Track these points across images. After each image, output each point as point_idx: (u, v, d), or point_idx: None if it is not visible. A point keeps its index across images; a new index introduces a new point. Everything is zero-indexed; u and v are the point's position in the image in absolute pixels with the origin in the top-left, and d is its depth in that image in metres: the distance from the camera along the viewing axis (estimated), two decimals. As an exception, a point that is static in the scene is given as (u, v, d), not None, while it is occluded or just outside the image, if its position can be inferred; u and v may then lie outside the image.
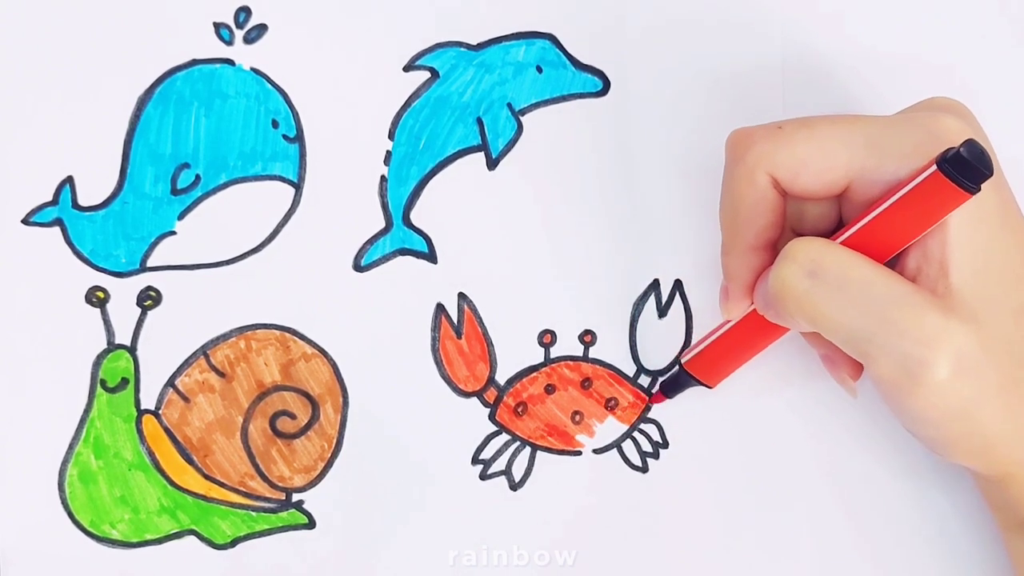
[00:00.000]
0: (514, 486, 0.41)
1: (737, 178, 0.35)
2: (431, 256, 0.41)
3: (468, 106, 0.42)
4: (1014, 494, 0.35)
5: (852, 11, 0.42)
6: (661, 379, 0.41)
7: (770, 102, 0.42)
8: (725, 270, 0.37)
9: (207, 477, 0.41)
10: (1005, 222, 0.34)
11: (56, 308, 0.41)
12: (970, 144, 0.31)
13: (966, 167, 0.31)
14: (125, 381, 0.41)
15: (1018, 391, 0.33)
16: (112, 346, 0.41)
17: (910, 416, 0.34)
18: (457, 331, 0.41)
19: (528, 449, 0.41)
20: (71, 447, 0.40)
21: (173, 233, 0.41)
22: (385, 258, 0.41)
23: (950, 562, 0.41)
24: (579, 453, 0.41)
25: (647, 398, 0.41)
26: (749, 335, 0.38)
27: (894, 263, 0.34)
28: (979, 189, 0.31)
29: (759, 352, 0.38)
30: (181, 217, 0.41)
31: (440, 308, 0.41)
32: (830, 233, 0.36)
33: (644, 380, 0.41)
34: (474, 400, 0.41)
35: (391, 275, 0.41)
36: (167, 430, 0.41)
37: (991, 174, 0.31)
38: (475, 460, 0.41)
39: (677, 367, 0.41)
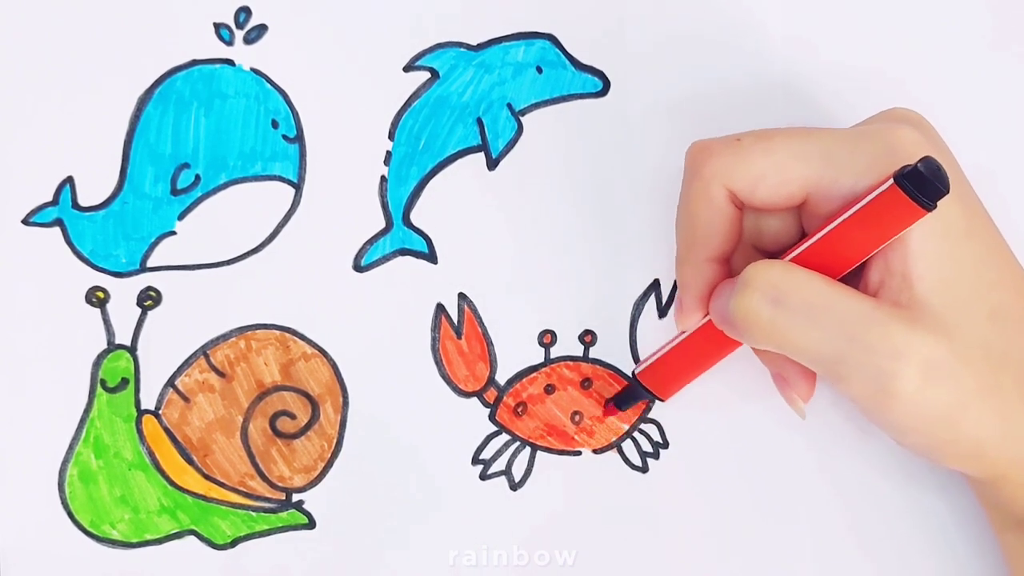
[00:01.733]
0: (514, 486, 0.41)
1: (694, 191, 0.35)
2: (431, 256, 0.41)
3: (468, 106, 0.42)
4: (1008, 494, 0.35)
5: (839, 21, 0.42)
6: (615, 394, 0.41)
7: (770, 102, 0.42)
8: (680, 281, 0.37)
9: (207, 477, 0.41)
10: (971, 228, 0.34)
11: (56, 308, 0.41)
12: (927, 161, 0.31)
13: (923, 183, 0.31)
14: (125, 381, 0.41)
15: (1002, 393, 0.33)
16: (112, 346, 0.41)
17: (891, 428, 0.34)
18: (457, 331, 0.41)
19: (528, 449, 0.41)
20: (71, 447, 0.40)
21: (173, 233, 0.41)
22: (385, 258, 0.41)
23: (946, 561, 0.41)
24: (579, 453, 0.41)
25: (647, 399, 0.41)
26: (703, 347, 0.37)
27: (856, 275, 0.34)
28: (935, 206, 0.31)
29: (713, 364, 0.38)
30: (181, 217, 0.41)
31: (440, 308, 0.41)
32: (789, 244, 0.36)
33: (644, 380, 0.42)
34: (474, 400, 0.41)
35: (391, 275, 0.41)
36: (167, 430, 0.41)
37: (947, 191, 0.31)
38: (475, 460, 0.41)
39: (631, 378, 0.40)
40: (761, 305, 0.33)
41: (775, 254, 0.37)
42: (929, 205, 0.31)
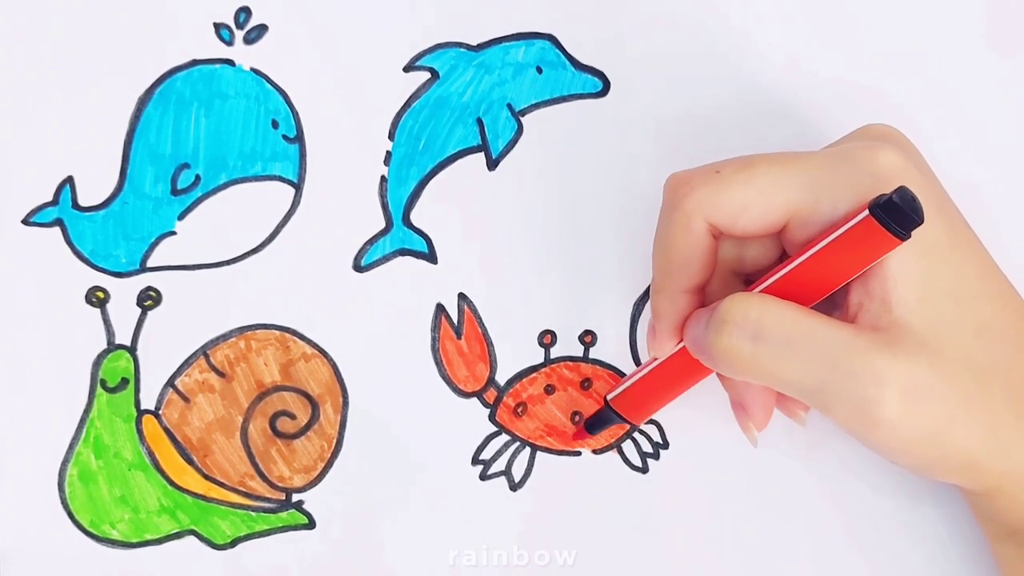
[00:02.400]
0: (514, 486, 0.41)
1: (673, 224, 0.35)
2: (431, 256, 0.41)
3: (468, 106, 0.42)
4: (1001, 506, 0.35)
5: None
6: (587, 418, 0.41)
7: (771, 102, 0.42)
8: (654, 310, 0.37)
9: (207, 477, 0.41)
10: (955, 245, 0.34)
11: (56, 308, 0.41)
12: (902, 191, 0.31)
13: (898, 213, 0.31)
14: (125, 381, 0.41)
15: (990, 407, 0.33)
16: (112, 346, 0.41)
17: (880, 450, 0.34)
18: (457, 331, 0.41)
19: (528, 449, 0.41)
20: (71, 447, 0.40)
21: (173, 233, 0.41)
22: (385, 258, 0.41)
23: (940, 565, 0.41)
24: (579, 453, 0.41)
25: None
26: (676, 374, 0.37)
27: (836, 299, 0.34)
28: (909, 236, 0.31)
29: (685, 390, 0.38)
30: (181, 217, 0.41)
31: (440, 308, 0.41)
32: (768, 266, 0.36)
33: (644, 380, 0.42)
34: (474, 400, 0.41)
35: (391, 275, 0.41)
36: (167, 430, 0.41)
37: (922, 221, 0.31)
38: (475, 460, 0.41)
39: (603, 404, 0.40)
40: (741, 342, 0.33)
41: (753, 276, 0.37)
42: (903, 235, 0.31)
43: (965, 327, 0.33)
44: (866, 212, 0.32)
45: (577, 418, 0.41)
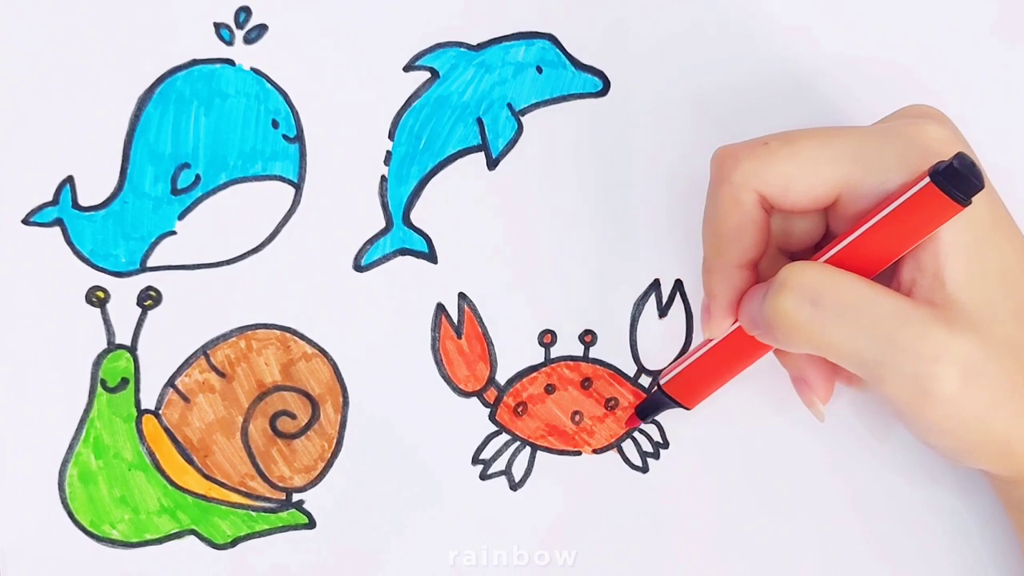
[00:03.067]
0: (514, 486, 0.41)
1: (723, 197, 0.35)
2: (431, 256, 0.41)
3: (468, 106, 0.42)
4: None
5: (844, 16, 0.42)
6: (639, 404, 0.41)
7: (771, 102, 0.42)
8: (707, 289, 0.36)
9: (207, 477, 0.41)
10: (996, 226, 0.34)
11: (56, 308, 0.41)
12: (961, 157, 0.31)
13: (959, 179, 0.31)
14: (125, 381, 0.41)
15: None
16: (112, 346, 0.41)
17: (926, 430, 0.34)
18: (457, 331, 0.41)
19: (528, 449, 0.41)
20: (71, 447, 0.40)
21: (173, 233, 0.41)
22: (385, 258, 0.41)
23: (964, 562, 0.41)
24: (579, 453, 0.41)
25: (673, 409, 0.41)
26: (732, 354, 0.37)
27: (888, 275, 0.34)
28: (970, 202, 0.31)
29: (741, 371, 0.38)
30: (181, 217, 0.41)
31: (440, 308, 0.41)
32: (815, 244, 0.36)
33: (644, 380, 0.41)
34: (474, 400, 0.41)
35: (391, 275, 0.41)
36: (167, 430, 0.41)
37: (982, 186, 0.31)
38: (475, 460, 0.41)
39: (655, 389, 0.40)
40: (799, 306, 0.33)
41: (801, 256, 0.36)
42: (965, 201, 0.31)
43: (1006, 308, 0.33)
44: (927, 179, 0.31)
45: (578, 417, 0.41)
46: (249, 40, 0.41)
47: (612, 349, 0.41)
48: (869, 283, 0.33)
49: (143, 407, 0.41)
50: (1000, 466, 0.35)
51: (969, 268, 0.33)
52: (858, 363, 0.33)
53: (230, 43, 0.41)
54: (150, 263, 0.41)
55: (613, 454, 0.41)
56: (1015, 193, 0.36)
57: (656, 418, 0.41)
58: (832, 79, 0.42)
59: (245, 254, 0.41)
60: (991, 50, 0.42)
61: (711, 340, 0.37)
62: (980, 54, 0.42)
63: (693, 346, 0.41)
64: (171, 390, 0.41)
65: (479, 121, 0.42)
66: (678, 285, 0.41)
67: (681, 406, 0.39)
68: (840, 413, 0.41)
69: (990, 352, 0.32)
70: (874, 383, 0.33)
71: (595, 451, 0.41)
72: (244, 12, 0.41)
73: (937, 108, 0.36)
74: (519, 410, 0.41)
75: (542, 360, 0.41)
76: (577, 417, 0.41)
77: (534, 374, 0.41)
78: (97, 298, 0.41)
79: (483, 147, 0.42)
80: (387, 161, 0.41)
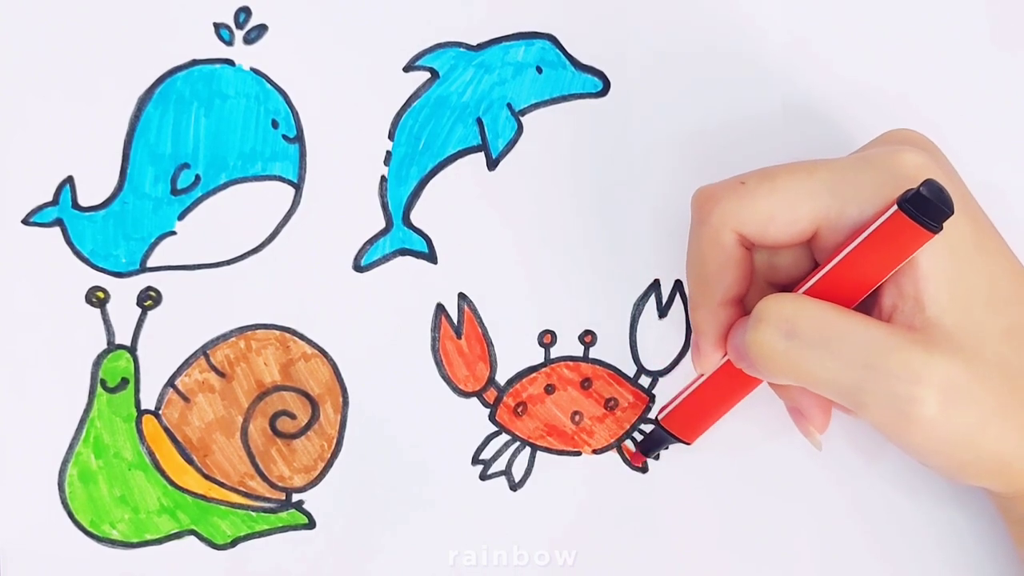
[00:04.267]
0: (514, 486, 0.41)
1: (703, 238, 0.35)
2: (431, 256, 0.41)
3: (468, 106, 0.42)
4: None
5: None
6: (639, 440, 0.41)
7: (770, 102, 0.42)
8: (695, 326, 0.37)
9: (207, 477, 0.41)
10: (981, 246, 0.34)
11: (56, 308, 0.41)
12: (929, 183, 0.31)
13: (927, 206, 0.31)
14: (125, 381, 0.41)
15: (1022, 409, 0.33)
16: (112, 346, 0.41)
17: (913, 451, 0.34)
18: (457, 331, 0.41)
19: (528, 449, 0.41)
20: (71, 447, 0.40)
21: (173, 233, 0.41)
22: (385, 258, 0.41)
23: (961, 569, 0.41)
24: (579, 453, 0.41)
25: (647, 399, 0.41)
26: (725, 388, 0.37)
27: (870, 302, 0.34)
28: (941, 228, 0.31)
29: (736, 403, 0.38)
30: (181, 217, 0.41)
31: (440, 308, 0.41)
32: (802, 275, 0.36)
33: (644, 380, 0.41)
34: (474, 400, 0.41)
35: (391, 275, 0.41)
36: (167, 430, 0.41)
37: (952, 212, 0.31)
38: (475, 460, 0.41)
39: (654, 425, 0.40)
40: (775, 339, 0.33)
41: (789, 287, 0.37)
42: (935, 227, 0.31)
43: (994, 328, 0.33)
44: (895, 207, 0.32)
45: (577, 417, 0.41)
46: (249, 40, 0.41)
47: (612, 349, 0.41)
48: (843, 311, 0.33)
49: (143, 407, 0.41)
50: (997, 483, 0.35)
51: (951, 290, 0.33)
52: (837, 391, 0.33)
53: (230, 43, 0.41)
54: (150, 263, 0.41)
55: (613, 454, 0.41)
56: (1012, 211, 0.36)
57: (656, 417, 0.41)
58: (830, 83, 0.42)
59: (245, 254, 0.41)
60: (985, 67, 0.42)
61: (703, 375, 0.38)
62: (973, 72, 0.42)
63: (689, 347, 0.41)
64: (171, 390, 0.41)
65: (479, 121, 0.42)
66: (678, 285, 0.41)
67: (681, 441, 0.39)
68: (839, 416, 0.41)
69: (975, 372, 0.32)
70: (856, 410, 0.33)
71: (595, 451, 0.41)
72: (244, 12, 0.41)
73: (918, 132, 0.36)
74: (519, 410, 0.41)
75: (542, 360, 0.41)
76: (577, 417, 0.41)
77: (534, 374, 0.41)
78: (97, 298, 0.41)
79: (483, 147, 0.42)
80: (387, 161, 0.41)
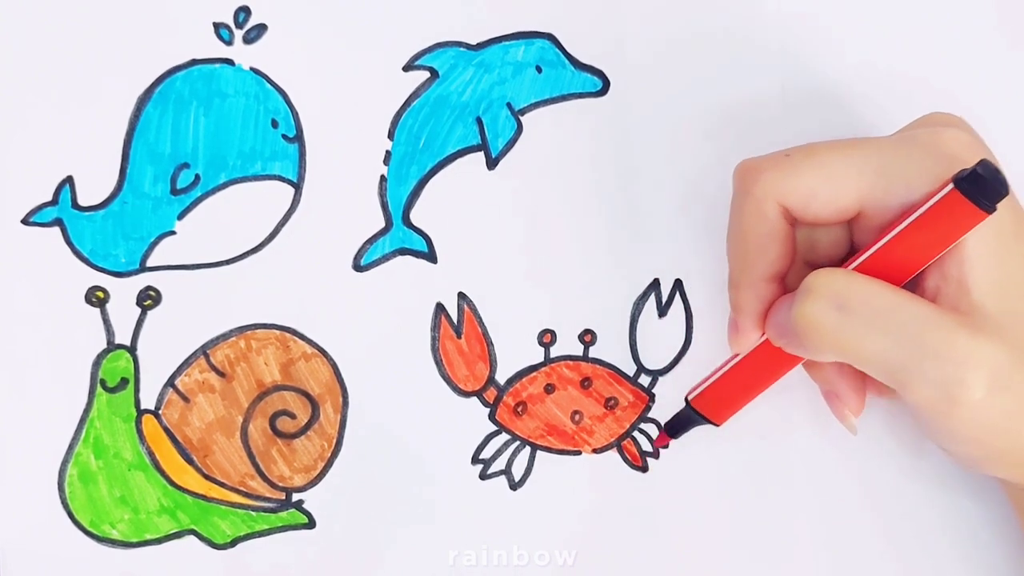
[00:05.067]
0: (514, 486, 0.41)
1: (747, 210, 0.35)
2: (431, 256, 0.41)
3: (468, 106, 0.42)
4: None
5: (853, 23, 0.42)
6: (666, 421, 0.41)
7: (771, 102, 0.42)
8: (734, 304, 0.36)
9: (207, 477, 0.41)
10: (1019, 234, 0.34)
11: (56, 308, 0.41)
12: (985, 163, 0.31)
13: (983, 185, 0.31)
14: (125, 381, 0.41)
15: None
16: (112, 346, 0.41)
17: (951, 437, 0.34)
18: (457, 331, 0.41)
19: (528, 449, 0.41)
20: (71, 447, 0.40)
21: (173, 233, 0.41)
22: (385, 258, 0.41)
23: (972, 564, 0.41)
24: (579, 452, 0.41)
25: (647, 398, 0.41)
26: (759, 369, 0.37)
27: (912, 284, 0.34)
28: (995, 208, 0.31)
29: (769, 386, 0.37)
30: (181, 217, 0.41)
31: (440, 308, 0.41)
32: (840, 256, 0.36)
33: (644, 380, 0.41)
34: (474, 400, 0.41)
35: (391, 275, 0.41)
36: (167, 430, 0.41)
37: (1007, 192, 0.31)
38: (475, 460, 0.41)
39: (684, 405, 0.40)
40: (826, 312, 0.32)
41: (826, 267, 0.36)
42: (990, 208, 0.31)
43: None
44: (951, 186, 0.31)
45: (577, 417, 0.41)
46: (248, 40, 0.41)
47: (612, 349, 0.41)
48: (895, 289, 0.33)
49: (143, 407, 0.41)
50: (1020, 475, 0.34)
51: (994, 275, 0.33)
52: (884, 369, 0.32)
53: (229, 43, 0.41)
54: (150, 263, 0.41)
55: (613, 453, 0.41)
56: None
57: (656, 418, 0.41)
58: (833, 75, 0.42)
59: (245, 254, 0.41)
60: (1008, 55, 0.42)
61: (737, 355, 0.37)
62: (997, 60, 0.42)
63: (693, 345, 0.41)
64: (171, 390, 0.41)
65: (479, 121, 0.42)
66: (678, 285, 0.41)
67: (710, 422, 0.39)
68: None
69: (1016, 359, 0.32)
70: (900, 389, 0.33)
71: (595, 451, 0.41)
72: (243, 12, 0.41)
73: (958, 116, 0.36)
74: (519, 410, 0.41)
75: (542, 360, 0.41)
76: (577, 417, 0.41)
77: (534, 374, 0.41)
78: (97, 298, 0.41)
79: (483, 147, 0.42)
80: (387, 161, 0.41)
